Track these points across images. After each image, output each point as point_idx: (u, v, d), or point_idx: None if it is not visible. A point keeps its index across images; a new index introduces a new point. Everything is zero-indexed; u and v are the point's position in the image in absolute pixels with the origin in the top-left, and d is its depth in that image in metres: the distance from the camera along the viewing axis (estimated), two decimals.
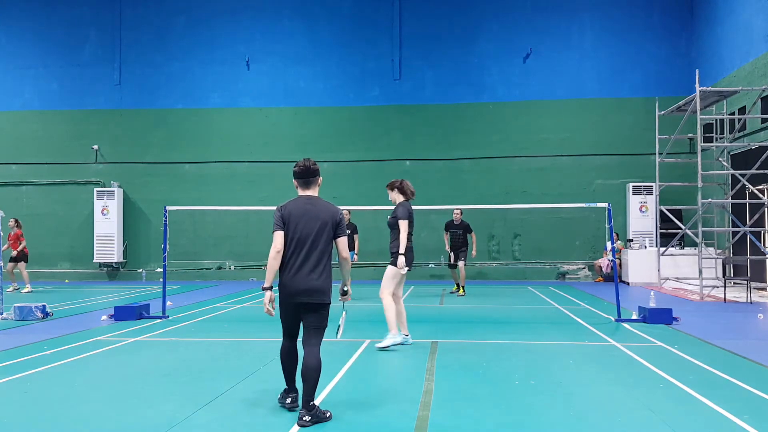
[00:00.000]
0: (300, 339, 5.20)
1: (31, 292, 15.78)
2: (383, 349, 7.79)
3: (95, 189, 20.56)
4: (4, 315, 10.83)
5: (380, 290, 8.05)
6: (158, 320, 10.54)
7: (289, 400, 5.26)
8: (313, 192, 5.24)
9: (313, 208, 5.11)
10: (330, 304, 5.10)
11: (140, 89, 21.01)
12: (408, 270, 8.03)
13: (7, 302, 12.11)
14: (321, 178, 5.33)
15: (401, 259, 7.88)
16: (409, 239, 8.01)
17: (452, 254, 14.83)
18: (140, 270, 20.62)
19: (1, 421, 4.95)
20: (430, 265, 19.80)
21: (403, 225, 7.92)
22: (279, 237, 5.04)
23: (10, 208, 18.85)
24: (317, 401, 5.24)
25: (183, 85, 20.92)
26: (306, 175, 5.19)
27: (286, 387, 5.33)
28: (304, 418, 4.84)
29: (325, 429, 4.78)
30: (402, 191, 8.12)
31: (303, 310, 5.07)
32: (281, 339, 5.28)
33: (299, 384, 5.10)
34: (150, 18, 21.09)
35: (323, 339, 5.14)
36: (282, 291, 5.08)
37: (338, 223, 5.13)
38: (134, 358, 7.43)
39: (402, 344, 8.00)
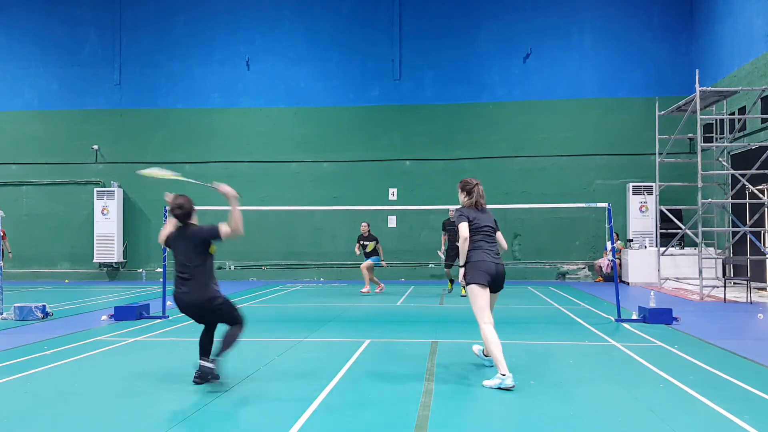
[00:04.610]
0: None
1: None
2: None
3: (95, 189, 20.56)
4: (4, 315, 10.84)
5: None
6: (158, 320, 10.55)
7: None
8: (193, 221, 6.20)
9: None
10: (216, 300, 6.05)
11: (140, 89, 21.01)
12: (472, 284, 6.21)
13: (7, 302, 12.11)
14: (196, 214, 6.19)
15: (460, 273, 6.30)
16: (473, 248, 6.22)
17: (447, 254, 14.78)
18: (140, 270, 20.62)
19: (1, 421, 4.95)
20: (430, 265, 19.80)
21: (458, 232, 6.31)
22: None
23: (10, 208, 18.86)
24: (317, 402, 5.23)
25: (183, 85, 20.92)
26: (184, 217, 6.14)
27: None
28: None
29: (325, 429, 4.77)
30: (468, 193, 6.44)
31: (205, 318, 6.17)
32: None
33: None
34: (150, 18, 21.09)
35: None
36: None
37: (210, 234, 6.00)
38: (134, 358, 7.43)
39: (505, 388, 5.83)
